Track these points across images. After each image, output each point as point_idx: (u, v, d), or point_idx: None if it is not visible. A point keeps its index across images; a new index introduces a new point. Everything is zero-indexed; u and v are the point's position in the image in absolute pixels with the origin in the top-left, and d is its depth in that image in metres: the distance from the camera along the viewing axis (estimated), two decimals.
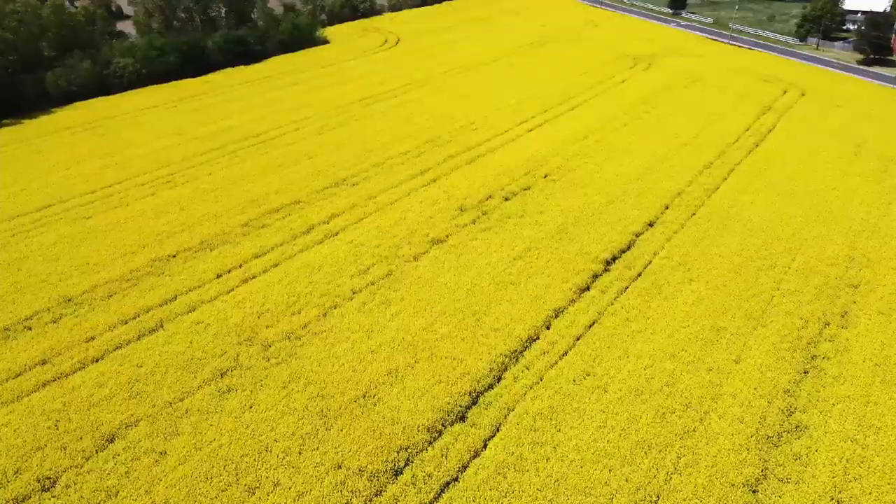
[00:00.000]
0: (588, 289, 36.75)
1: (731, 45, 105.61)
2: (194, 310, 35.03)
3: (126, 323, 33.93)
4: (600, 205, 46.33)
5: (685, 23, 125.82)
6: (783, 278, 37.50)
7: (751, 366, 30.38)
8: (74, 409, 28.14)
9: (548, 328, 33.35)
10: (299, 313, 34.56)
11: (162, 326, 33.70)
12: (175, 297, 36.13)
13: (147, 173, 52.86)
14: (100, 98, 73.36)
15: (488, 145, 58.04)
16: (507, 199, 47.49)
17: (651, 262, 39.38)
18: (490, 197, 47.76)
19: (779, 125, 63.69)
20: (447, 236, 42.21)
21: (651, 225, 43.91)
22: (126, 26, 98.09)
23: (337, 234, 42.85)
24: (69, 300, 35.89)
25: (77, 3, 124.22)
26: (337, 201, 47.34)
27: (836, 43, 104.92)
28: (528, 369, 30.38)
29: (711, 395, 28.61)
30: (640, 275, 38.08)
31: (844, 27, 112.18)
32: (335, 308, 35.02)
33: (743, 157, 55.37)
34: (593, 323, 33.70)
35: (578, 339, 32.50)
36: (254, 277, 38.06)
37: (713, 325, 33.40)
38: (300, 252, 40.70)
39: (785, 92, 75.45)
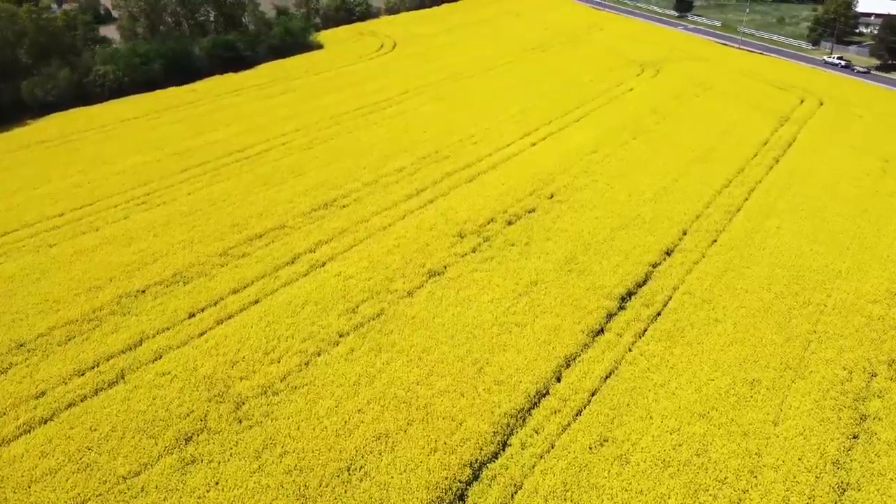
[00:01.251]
0: (602, 331, 32.90)
1: (741, 49, 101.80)
2: (160, 357, 31.20)
3: (82, 374, 30.09)
4: (612, 230, 42.48)
5: (692, 26, 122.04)
6: (819, 318, 33.66)
7: (792, 429, 26.55)
8: (12, 486, 24.32)
9: (558, 380, 29.53)
10: (278, 362, 30.72)
11: (123, 378, 29.87)
12: (140, 342, 32.29)
13: (121, 193, 49.02)
14: (78, 108, 69.50)
15: (489, 161, 54.20)
16: (510, 223, 43.65)
17: (671, 298, 35.55)
18: (492, 221, 43.91)
19: (799, 137, 59.88)
20: (445, 267, 38.38)
21: (668, 254, 40.08)
22: (112, 31, 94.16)
23: (324, 264, 39.00)
24: (21, 345, 32.05)
25: (65, 6, 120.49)
26: (325, 225, 43.49)
27: (850, 47, 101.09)
28: (537, 433, 26.55)
29: (750, 468, 24.77)
30: (659, 314, 34.25)
31: (857, 30, 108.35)
32: (319, 355, 31.18)
33: (763, 174, 51.53)
34: (610, 374, 29.87)
35: (594, 394, 28.68)
36: (230, 317, 34.21)
37: (745, 376, 29.57)
38: (283, 286, 36.84)
39: (802, 101, 71.63)
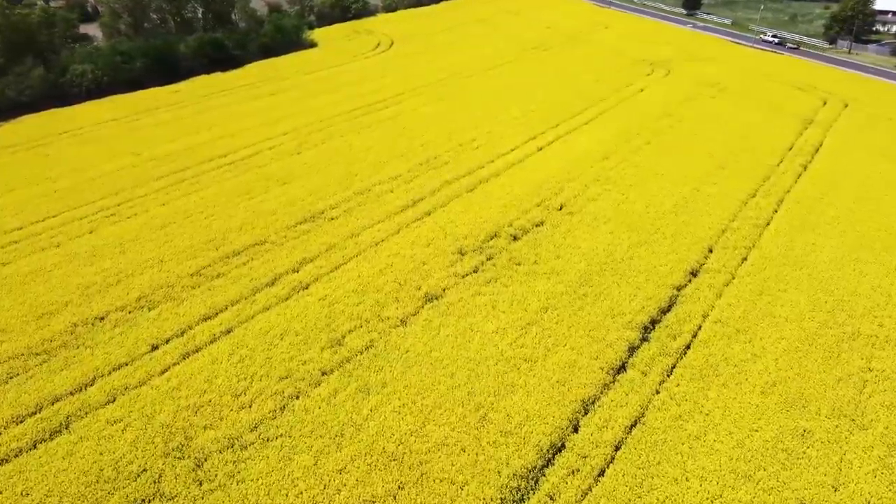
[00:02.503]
0: (624, 368, 28.64)
1: (756, 48, 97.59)
2: (114, 400, 26.91)
3: (21, 422, 25.80)
4: (629, 246, 38.24)
5: (701, 24, 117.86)
6: (873, 353, 29.39)
7: (857, 496, 22.28)
8: None
9: (576, 430, 25.27)
10: (249, 407, 26.44)
11: (67, 427, 25.58)
12: (93, 381, 28.00)
13: (89, 203, 44.72)
14: (53, 110, 65.10)
15: (492, 168, 49.94)
16: (515, 239, 39.41)
17: (701, 327, 31.28)
18: (495, 235, 39.66)
19: (826, 142, 55.65)
20: (443, 290, 34.11)
21: (694, 274, 35.82)
22: (95, 30, 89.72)
23: (307, 286, 34.73)
24: None
25: (51, 2, 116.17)
26: (311, 241, 39.24)
27: (869, 46, 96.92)
28: (552, 500, 22.29)
29: None
30: (688, 347, 29.99)
31: (874, 28, 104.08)
32: (297, 398, 26.91)
33: (792, 182, 47.28)
34: (635, 422, 25.59)
35: (618, 448, 24.42)
36: (197, 350, 29.94)
37: (794, 426, 25.30)
38: (260, 313, 32.56)
39: (825, 102, 67.40)
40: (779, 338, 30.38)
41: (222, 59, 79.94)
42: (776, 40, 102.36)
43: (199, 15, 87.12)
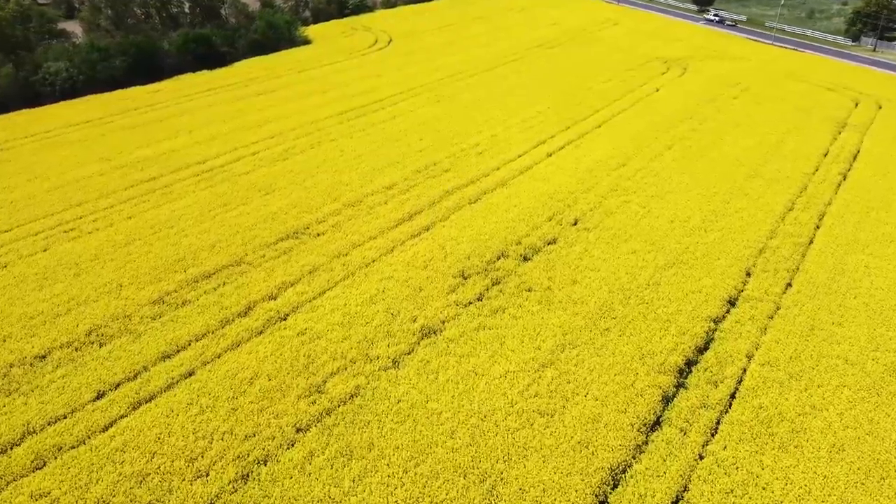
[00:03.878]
0: (659, 424, 23.94)
1: (776, 46, 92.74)
2: (43, 465, 22.24)
3: None
4: (656, 269, 33.49)
5: (716, 20, 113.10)
6: None
7: None
8: None
9: None
10: (206, 476, 21.72)
11: None
12: (21, 439, 23.34)
13: (48, 217, 39.97)
14: (23, 111, 60.27)
15: (497, 176, 45.19)
16: (525, 259, 34.69)
17: (746, 371, 26.55)
18: (502, 255, 34.95)
19: (864, 147, 50.87)
20: (442, 323, 29.40)
21: (733, 304, 31.07)
22: (75, 26, 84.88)
23: (286, 317, 30.02)
24: None
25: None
26: (292, 262, 34.50)
27: (894, 43, 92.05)
28: None
29: None
30: (733, 396, 25.27)
31: None
32: (265, 463, 22.21)
33: (831, 193, 42.50)
34: (677, 500, 20.86)
35: None
36: (151, 399, 25.24)
37: None
38: (228, 350, 27.85)
39: (857, 104, 62.59)
40: (840, 385, 25.63)
41: (209, 56, 75.09)
42: (717, 18, 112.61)
43: (186, 9, 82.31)
